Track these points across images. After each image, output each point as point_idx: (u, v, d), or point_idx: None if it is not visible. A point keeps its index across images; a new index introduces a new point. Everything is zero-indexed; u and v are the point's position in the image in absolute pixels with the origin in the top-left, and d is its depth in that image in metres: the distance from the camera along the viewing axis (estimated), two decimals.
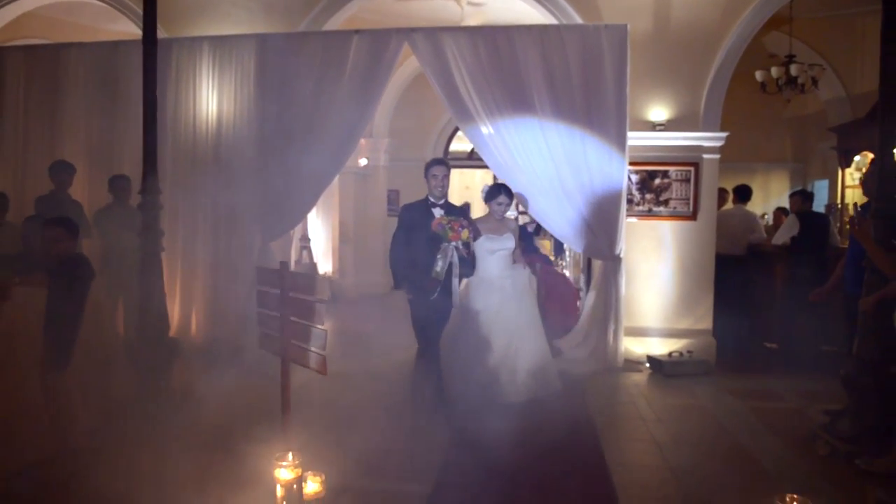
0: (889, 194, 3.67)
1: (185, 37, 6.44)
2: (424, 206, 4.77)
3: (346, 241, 10.61)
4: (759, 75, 8.57)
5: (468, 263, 4.83)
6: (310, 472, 2.46)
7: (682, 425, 4.69)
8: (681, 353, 6.07)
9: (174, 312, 6.16)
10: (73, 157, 6.25)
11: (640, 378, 5.88)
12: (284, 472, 2.31)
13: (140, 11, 6.79)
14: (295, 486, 2.33)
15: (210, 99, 6.31)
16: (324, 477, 2.58)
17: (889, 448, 3.56)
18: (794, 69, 8.24)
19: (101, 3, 7.42)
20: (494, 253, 5.00)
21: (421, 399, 4.62)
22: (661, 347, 6.19)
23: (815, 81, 8.50)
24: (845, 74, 10.32)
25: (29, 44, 7.82)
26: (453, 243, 4.56)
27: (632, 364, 6.10)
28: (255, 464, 2.90)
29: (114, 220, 5.71)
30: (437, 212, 4.71)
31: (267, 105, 6.16)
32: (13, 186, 6.45)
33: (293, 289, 2.94)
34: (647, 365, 6.10)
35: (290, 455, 2.34)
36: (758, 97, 9.18)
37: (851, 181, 9.04)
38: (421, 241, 4.61)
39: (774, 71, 8.33)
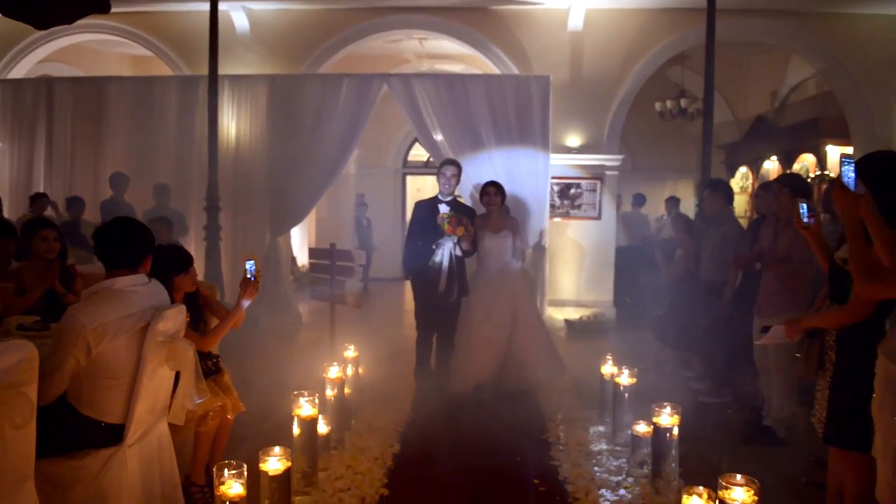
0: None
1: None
2: (433, 203, 5.38)
3: (321, 236, 12.38)
4: (657, 106, 10.78)
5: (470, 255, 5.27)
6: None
7: (584, 359, 6.75)
8: (589, 318, 8.16)
9: None
10: (115, 169, 7.78)
11: (560, 335, 7.93)
12: (350, 352, 4.20)
13: (148, 38, 8.63)
14: (352, 365, 4.22)
15: (230, 125, 8.00)
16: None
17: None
18: (683, 102, 10.49)
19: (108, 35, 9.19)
20: (491, 249, 5.27)
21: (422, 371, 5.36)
22: (575, 314, 8.27)
23: (700, 112, 10.75)
24: (732, 101, 12.67)
25: (76, 76, 9.36)
26: (451, 237, 5.05)
27: (554, 327, 8.14)
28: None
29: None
30: (443, 208, 5.26)
31: (276, 132, 7.85)
32: (62, 194, 7.93)
33: (338, 258, 4.83)
34: (565, 326, 8.16)
35: (351, 346, 4.23)
36: (666, 118, 11.21)
37: (737, 189, 11.33)
38: (428, 234, 5.15)
39: (669, 103, 10.56)
